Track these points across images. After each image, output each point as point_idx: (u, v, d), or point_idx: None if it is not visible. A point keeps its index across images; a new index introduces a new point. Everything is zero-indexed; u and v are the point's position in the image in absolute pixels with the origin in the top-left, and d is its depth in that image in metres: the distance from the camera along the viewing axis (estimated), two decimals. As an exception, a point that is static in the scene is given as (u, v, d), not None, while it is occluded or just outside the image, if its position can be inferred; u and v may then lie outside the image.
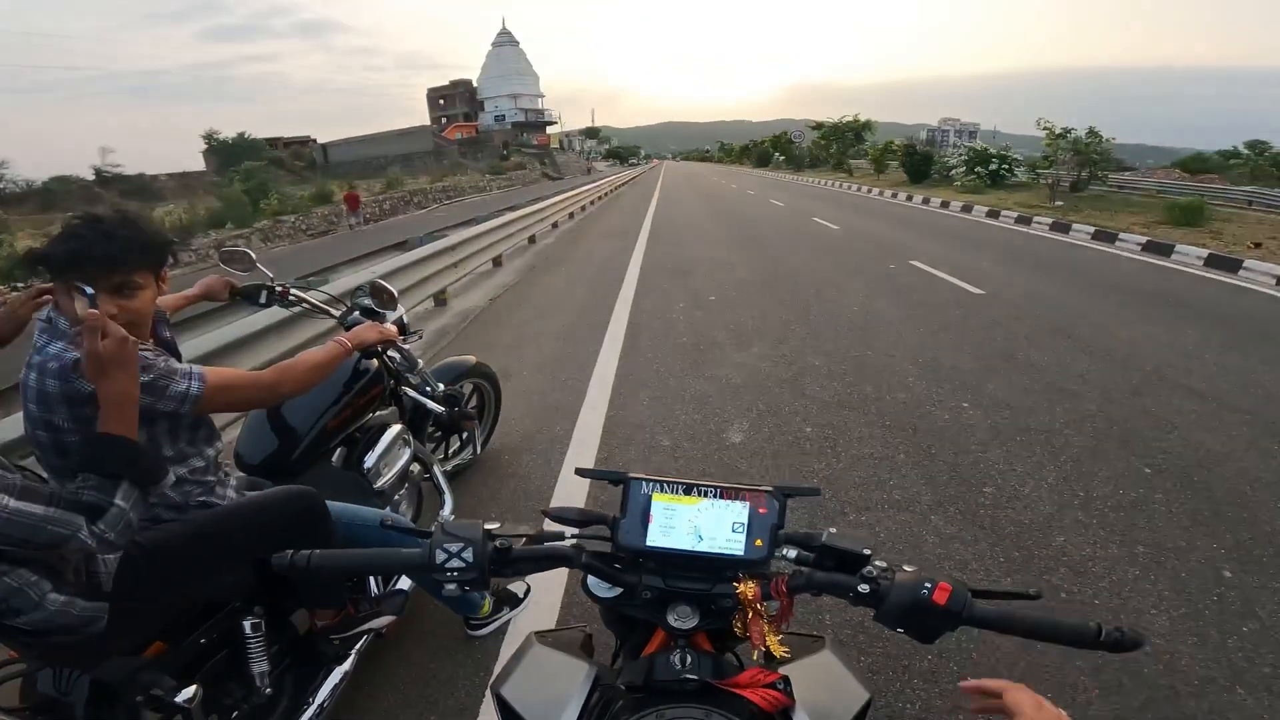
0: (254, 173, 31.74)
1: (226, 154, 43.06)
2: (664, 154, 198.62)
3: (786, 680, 0.71)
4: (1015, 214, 13.45)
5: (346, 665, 1.64)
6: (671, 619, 0.75)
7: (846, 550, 0.75)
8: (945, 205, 16.86)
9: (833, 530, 0.77)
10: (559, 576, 2.20)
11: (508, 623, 2.00)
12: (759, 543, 0.74)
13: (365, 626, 1.62)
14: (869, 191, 24.22)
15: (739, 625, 0.74)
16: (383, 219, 28.84)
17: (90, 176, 40.17)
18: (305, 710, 1.52)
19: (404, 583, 1.82)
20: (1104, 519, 2.51)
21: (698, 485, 0.75)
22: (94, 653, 1.13)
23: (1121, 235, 9.98)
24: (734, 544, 0.74)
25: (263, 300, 1.95)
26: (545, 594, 2.13)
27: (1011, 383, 4.00)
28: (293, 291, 1.99)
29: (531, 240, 11.33)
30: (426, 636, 1.98)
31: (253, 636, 1.37)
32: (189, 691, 1.20)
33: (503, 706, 0.75)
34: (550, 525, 0.82)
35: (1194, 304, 6.02)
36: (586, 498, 2.73)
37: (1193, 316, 5.51)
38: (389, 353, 2.06)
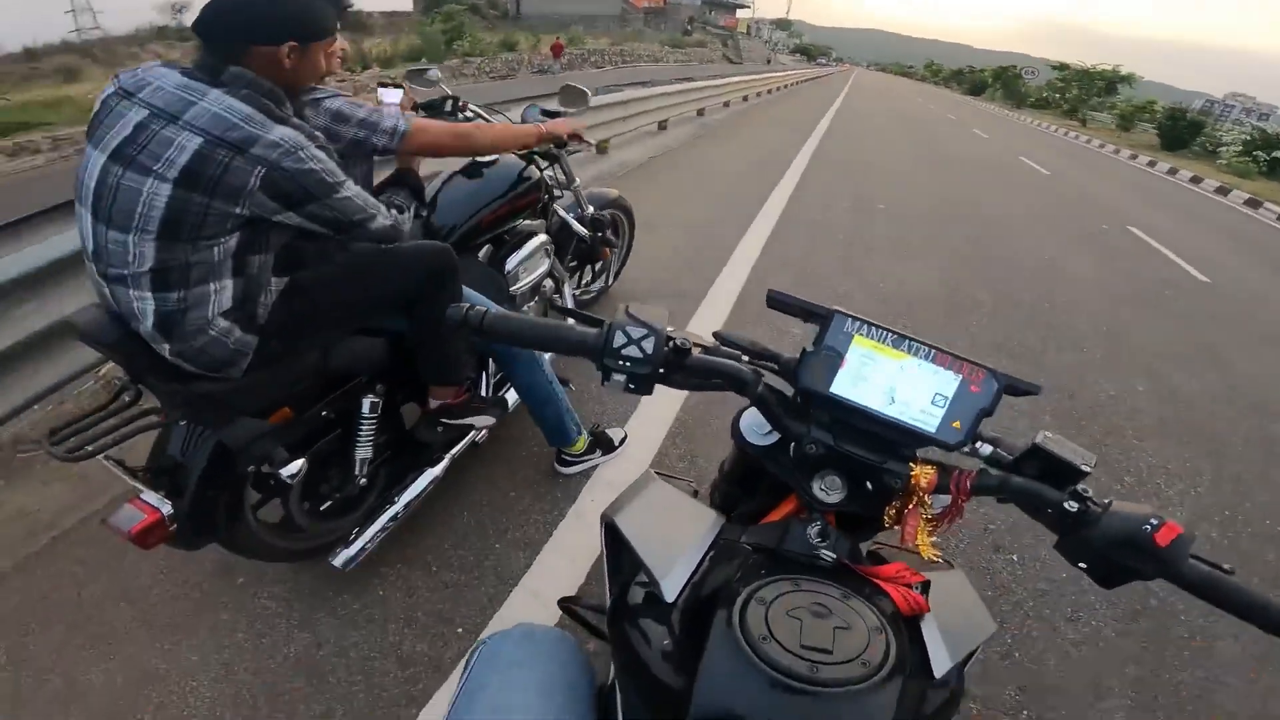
0: (453, 16, 33.32)
1: (432, -3, 44.88)
2: (858, 61, 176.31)
3: (927, 586, 0.63)
4: (1283, 210, 10.86)
5: (437, 471, 1.65)
6: (817, 488, 0.67)
7: (1062, 459, 0.62)
8: (1196, 181, 13.95)
9: (1049, 434, 0.65)
10: (651, 439, 2.22)
11: (595, 468, 1.99)
12: (957, 424, 0.63)
13: (468, 420, 1.68)
14: (1101, 146, 20.48)
15: (891, 513, 0.66)
16: (559, 73, 30.59)
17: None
18: (387, 509, 1.56)
19: (511, 395, 1.93)
20: (1236, 542, 2.22)
21: (910, 339, 0.64)
22: (230, 405, 1.18)
23: None
24: (928, 418, 0.64)
25: (446, 109, 2.10)
26: (633, 454, 2.11)
27: (1202, 380, 3.44)
28: (470, 106, 2.12)
29: (700, 113, 10.89)
30: (514, 466, 2.00)
31: (368, 417, 1.43)
32: (295, 466, 1.23)
33: (612, 534, 0.68)
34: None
35: None
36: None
37: None
38: (548, 170, 2.15)
